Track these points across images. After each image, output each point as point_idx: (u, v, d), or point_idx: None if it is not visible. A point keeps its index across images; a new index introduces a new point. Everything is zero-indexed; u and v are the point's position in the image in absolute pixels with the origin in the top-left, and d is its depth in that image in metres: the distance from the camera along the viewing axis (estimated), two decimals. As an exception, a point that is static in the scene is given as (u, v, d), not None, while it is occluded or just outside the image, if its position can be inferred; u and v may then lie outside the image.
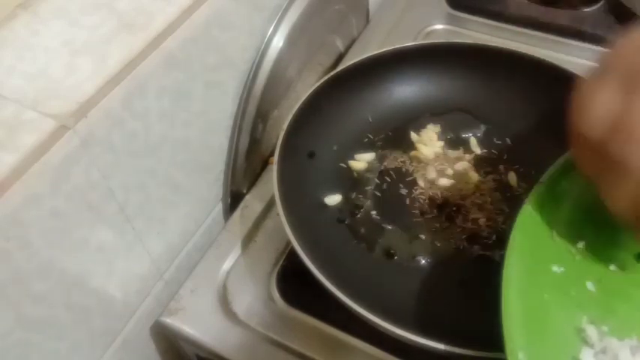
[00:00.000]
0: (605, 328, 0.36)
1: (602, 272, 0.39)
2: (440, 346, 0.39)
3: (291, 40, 0.53)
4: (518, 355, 0.33)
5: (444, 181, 0.52)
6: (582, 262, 0.39)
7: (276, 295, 0.48)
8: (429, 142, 0.55)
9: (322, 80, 0.54)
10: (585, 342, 0.35)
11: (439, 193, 0.52)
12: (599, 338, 0.35)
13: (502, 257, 0.48)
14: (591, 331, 0.35)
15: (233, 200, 0.56)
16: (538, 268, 0.38)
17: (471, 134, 0.56)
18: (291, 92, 0.58)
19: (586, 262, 0.39)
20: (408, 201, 0.52)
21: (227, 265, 0.51)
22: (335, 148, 0.55)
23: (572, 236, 0.40)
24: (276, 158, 0.49)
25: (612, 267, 0.39)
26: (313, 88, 0.54)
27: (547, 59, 0.55)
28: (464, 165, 0.53)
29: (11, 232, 0.33)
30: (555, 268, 0.38)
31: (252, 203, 0.55)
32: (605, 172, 0.33)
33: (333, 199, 0.52)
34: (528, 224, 0.39)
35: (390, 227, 0.51)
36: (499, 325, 0.35)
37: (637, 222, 0.33)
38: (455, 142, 0.56)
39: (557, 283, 0.38)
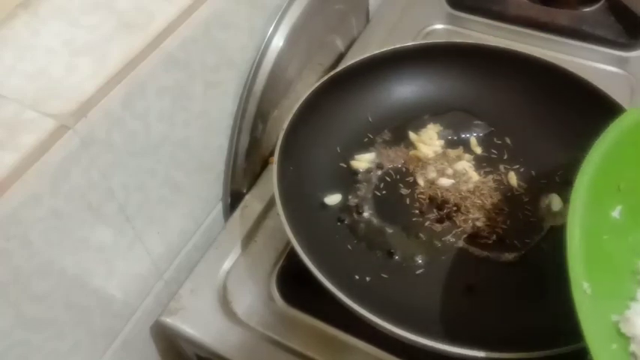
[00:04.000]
0: None
1: None
2: (439, 346, 0.39)
3: (291, 40, 0.53)
4: (583, 284, 0.34)
5: (444, 181, 0.52)
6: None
7: (276, 295, 0.48)
8: (428, 141, 0.55)
9: (322, 80, 0.54)
10: None
11: (439, 193, 0.52)
12: None
13: (504, 257, 0.48)
14: None
15: (233, 200, 0.56)
16: (598, 212, 0.39)
17: (471, 134, 0.56)
18: (291, 92, 0.58)
19: None
20: (408, 201, 0.52)
21: (227, 265, 0.51)
22: (335, 148, 0.55)
23: (638, 188, 0.41)
24: (276, 158, 0.49)
25: None
26: (313, 88, 0.54)
27: (547, 59, 0.55)
28: (464, 165, 0.53)
29: (11, 231, 0.33)
30: (615, 214, 0.40)
31: (252, 203, 0.55)
32: None
33: (333, 199, 0.52)
34: (595, 171, 0.39)
35: (389, 227, 0.51)
36: (564, 260, 0.35)
37: None
38: (455, 142, 0.56)
39: (615, 228, 0.39)
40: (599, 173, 0.39)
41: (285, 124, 0.51)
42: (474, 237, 0.49)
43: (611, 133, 0.41)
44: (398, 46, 0.57)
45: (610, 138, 0.41)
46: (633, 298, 0.36)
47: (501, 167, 0.54)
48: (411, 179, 0.53)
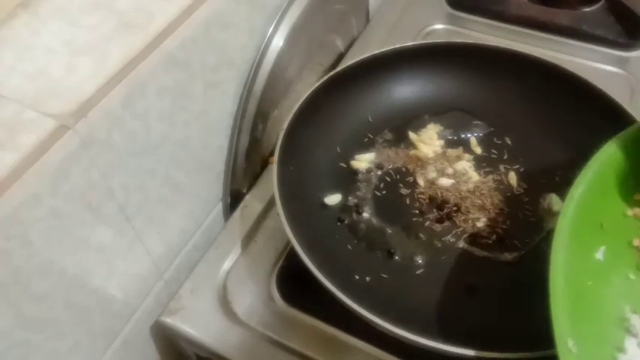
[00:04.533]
0: None
1: None
2: (439, 346, 0.39)
3: (291, 40, 0.53)
4: (568, 342, 0.33)
5: (444, 181, 0.52)
6: (626, 251, 0.39)
7: (276, 295, 0.48)
8: (428, 141, 0.55)
9: (322, 80, 0.54)
10: (629, 331, 0.36)
11: (439, 193, 0.52)
12: None
13: (504, 257, 0.48)
14: (635, 321, 0.36)
15: (233, 200, 0.56)
16: (582, 255, 0.38)
17: (471, 134, 0.56)
18: (291, 92, 0.58)
19: (629, 252, 0.39)
20: (408, 201, 0.52)
21: (227, 265, 0.51)
22: (335, 148, 0.55)
23: (621, 225, 0.40)
24: (276, 158, 0.49)
25: None
26: (313, 88, 0.54)
27: (547, 59, 0.55)
28: (464, 165, 0.53)
29: (11, 231, 0.33)
30: (599, 256, 0.39)
31: (252, 203, 0.55)
32: None
33: (333, 199, 0.52)
34: (576, 211, 0.38)
35: (389, 227, 0.51)
36: (546, 311, 0.34)
37: None
38: (455, 141, 0.56)
39: (600, 272, 0.38)
40: (580, 213, 0.38)
41: (285, 124, 0.51)
42: (474, 237, 0.49)
43: (589, 170, 0.40)
44: (398, 46, 0.57)
45: (589, 175, 0.40)
46: (620, 349, 0.35)
47: (501, 167, 0.54)
48: (411, 179, 0.53)
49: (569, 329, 0.33)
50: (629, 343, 0.35)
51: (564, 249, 0.36)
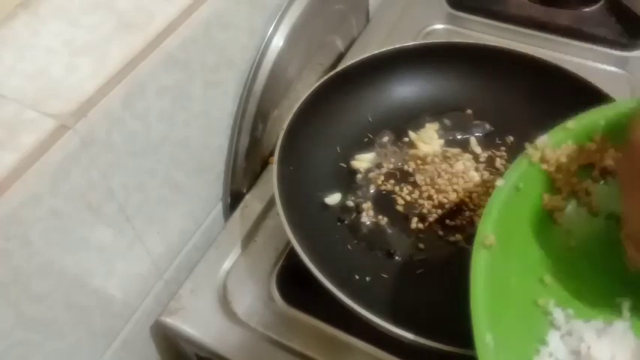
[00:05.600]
0: (570, 311, 0.37)
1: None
2: (439, 346, 0.39)
3: (291, 40, 0.53)
4: (486, 337, 0.33)
5: (444, 181, 0.52)
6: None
7: (276, 295, 0.48)
8: (428, 140, 0.55)
9: (322, 80, 0.54)
10: (552, 324, 0.36)
11: (439, 193, 0.52)
12: (566, 321, 0.36)
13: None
14: (558, 314, 0.36)
15: (233, 200, 0.56)
16: (507, 254, 0.38)
17: (471, 134, 0.56)
18: (291, 92, 0.58)
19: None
20: (408, 201, 0.52)
21: (227, 265, 0.51)
22: (335, 148, 0.55)
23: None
24: (276, 158, 0.49)
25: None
26: (313, 88, 0.54)
27: (547, 59, 0.55)
28: (464, 165, 0.53)
29: (11, 231, 0.33)
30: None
31: (252, 203, 0.55)
32: None
33: (333, 199, 0.52)
34: (500, 211, 0.39)
35: (389, 227, 0.51)
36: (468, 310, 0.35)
37: None
38: (455, 141, 0.56)
39: (525, 269, 0.38)
40: (506, 213, 0.39)
41: (285, 124, 0.51)
42: (473, 237, 0.49)
43: (513, 171, 0.40)
44: (398, 46, 0.57)
45: (513, 176, 0.40)
46: (543, 342, 0.35)
47: (501, 167, 0.54)
48: (411, 179, 0.53)
49: (488, 325, 0.34)
50: (552, 335, 0.35)
51: (487, 247, 0.37)
